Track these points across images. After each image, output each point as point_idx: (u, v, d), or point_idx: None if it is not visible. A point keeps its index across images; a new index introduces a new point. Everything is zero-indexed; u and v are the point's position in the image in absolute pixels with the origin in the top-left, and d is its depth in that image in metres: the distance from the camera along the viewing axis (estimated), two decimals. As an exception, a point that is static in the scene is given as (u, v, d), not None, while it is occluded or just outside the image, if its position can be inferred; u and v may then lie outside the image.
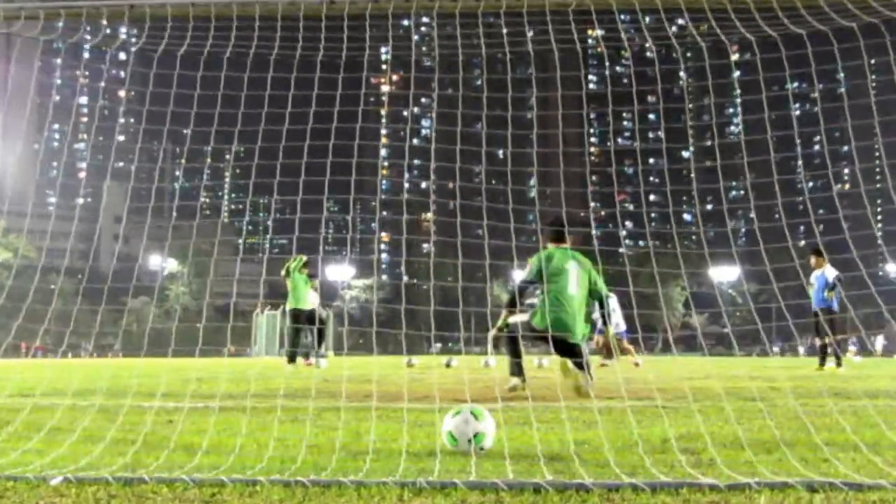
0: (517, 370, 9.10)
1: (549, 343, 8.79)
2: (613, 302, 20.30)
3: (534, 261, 9.31)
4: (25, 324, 6.46)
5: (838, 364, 16.49)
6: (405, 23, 7.07)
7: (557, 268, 9.05)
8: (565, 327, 8.83)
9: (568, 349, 8.83)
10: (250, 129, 7.22)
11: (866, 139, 6.38)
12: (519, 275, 9.74)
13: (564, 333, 8.82)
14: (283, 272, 19.12)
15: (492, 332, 9.36)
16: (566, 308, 8.90)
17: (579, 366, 8.64)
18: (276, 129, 7.05)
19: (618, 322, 20.64)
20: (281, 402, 7.50)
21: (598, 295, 9.29)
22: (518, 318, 9.25)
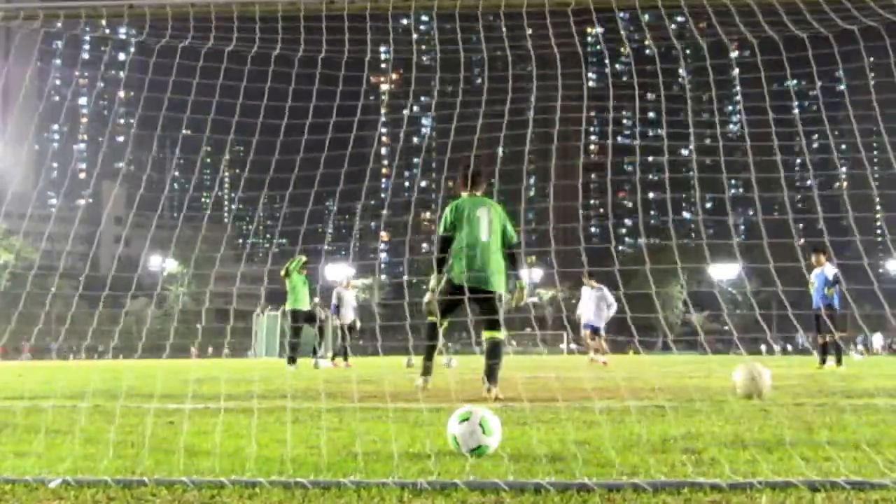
0: (426, 371, 9.14)
1: (465, 297, 8.49)
2: (610, 297, 20.31)
3: (446, 212, 9.04)
4: (24, 325, 6.45)
5: (839, 362, 16.49)
6: (404, 22, 7.06)
7: (469, 216, 8.79)
8: (479, 278, 8.56)
9: (484, 304, 8.56)
10: (249, 128, 7.22)
11: (866, 135, 6.37)
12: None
13: (479, 285, 8.54)
14: (282, 272, 19.16)
15: (427, 297, 9.02)
16: (479, 256, 8.63)
17: (491, 324, 8.42)
18: (274, 129, 7.05)
19: (599, 316, 20.53)
20: (280, 403, 7.49)
21: (510, 242, 8.97)
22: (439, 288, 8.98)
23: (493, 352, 8.41)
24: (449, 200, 9.22)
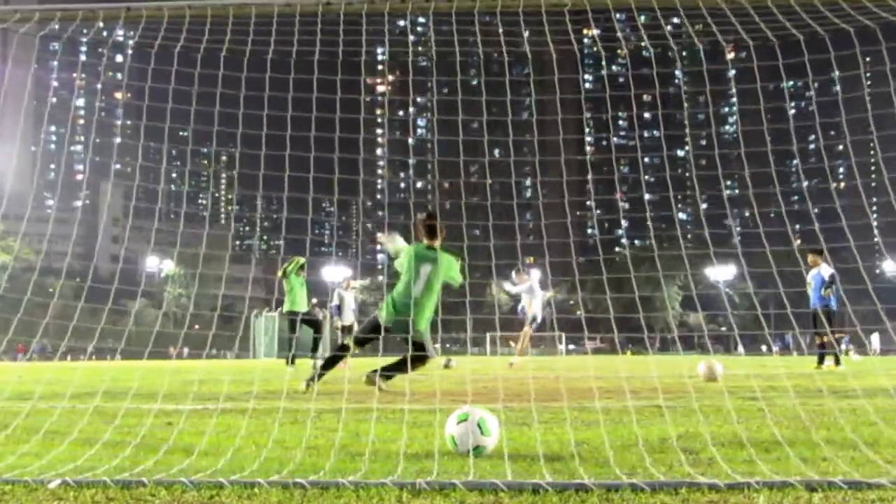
0: (326, 365, 9.80)
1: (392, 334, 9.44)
2: (539, 300, 20.34)
3: (407, 254, 9.75)
4: (23, 327, 6.44)
5: (836, 362, 16.49)
6: (401, 23, 7.07)
7: (416, 269, 9.48)
8: (404, 325, 9.17)
9: (413, 343, 9.13)
10: (247, 129, 7.22)
11: (861, 136, 6.39)
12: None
13: (404, 331, 9.19)
14: (279, 274, 19.14)
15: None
16: (410, 307, 9.24)
17: (420, 357, 9.11)
18: (273, 130, 7.05)
19: (535, 314, 20.26)
20: (279, 404, 7.49)
21: (453, 287, 9.72)
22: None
23: (402, 365, 9.17)
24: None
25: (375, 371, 9.07)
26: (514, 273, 21.06)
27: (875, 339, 59.58)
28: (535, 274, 20.85)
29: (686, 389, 8.71)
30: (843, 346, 33.21)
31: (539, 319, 20.43)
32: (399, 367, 9.28)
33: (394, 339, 9.94)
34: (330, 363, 9.98)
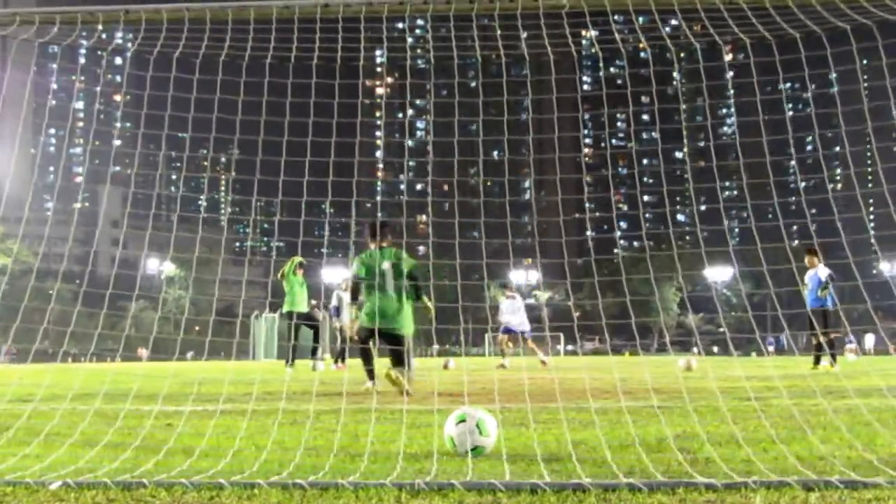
0: (369, 375, 10.14)
1: (378, 337, 9.98)
2: (518, 303, 21.11)
3: (357, 263, 10.40)
4: (23, 328, 6.45)
5: (833, 363, 16.50)
6: (399, 25, 7.10)
7: (378, 270, 9.96)
8: (388, 320, 9.74)
9: (394, 340, 9.71)
10: (245, 131, 7.24)
11: (858, 137, 6.41)
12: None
13: (388, 326, 9.75)
14: (278, 275, 19.15)
15: (350, 331, 11.17)
16: (387, 305, 9.81)
17: (398, 357, 9.49)
18: (271, 132, 7.07)
19: (522, 321, 21.33)
20: (278, 405, 7.50)
21: (413, 284, 10.17)
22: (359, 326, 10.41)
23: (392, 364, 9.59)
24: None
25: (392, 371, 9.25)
26: (505, 289, 21.89)
27: (869, 338, 59.58)
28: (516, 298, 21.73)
29: (682, 390, 8.73)
30: (850, 345, 33.15)
31: (525, 328, 21.23)
32: (399, 361, 9.54)
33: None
34: (319, 348, 10.51)
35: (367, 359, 10.28)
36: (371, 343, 10.22)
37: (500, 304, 22.08)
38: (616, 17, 6.12)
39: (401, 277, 9.99)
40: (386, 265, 9.99)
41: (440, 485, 3.34)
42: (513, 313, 21.22)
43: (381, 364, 9.97)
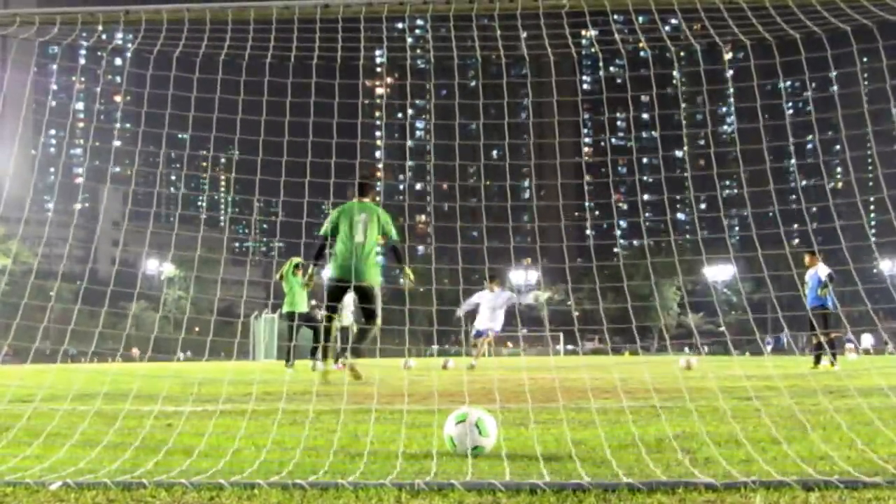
0: (323, 353, 10.49)
1: (345, 290, 10.17)
2: (502, 299, 20.19)
3: (332, 214, 10.39)
4: (23, 327, 6.45)
5: (833, 362, 16.51)
6: (399, 25, 7.11)
7: (351, 219, 10.07)
8: (356, 273, 9.76)
9: (362, 295, 9.86)
10: (245, 132, 7.24)
11: (858, 138, 6.42)
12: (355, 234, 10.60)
13: (356, 277, 9.78)
14: (277, 276, 19.17)
15: (302, 280, 11.80)
16: (356, 253, 9.87)
17: (368, 313, 9.74)
18: (271, 132, 7.07)
19: (495, 319, 20.14)
20: (278, 405, 7.51)
21: (391, 239, 10.40)
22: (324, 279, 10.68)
23: (361, 336, 9.94)
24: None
25: (344, 358, 9.55)
26: (485, 282, 20.98)
27: (868, 337, 59.56)
28: (502, 293, 20.88)
29: (682, 390, 8.73)
30: (849, 344, 33.10)
31: (496, 328, 20.48)
32: (360, 338, 9.72)
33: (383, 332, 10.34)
34: (319, 349, 10.52)
35: (326, 335, 10.55)
36: (337, 314, 10.45)
37: (482, 295, 20.28)
38: (616, 17, 6.12)
39: (374, 232, 10.08)
40: (361, 216, 10.07)
41: (440, 485, 3.34)
42: (492, 310, 19.99)
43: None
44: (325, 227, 10.36)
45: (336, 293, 10.25)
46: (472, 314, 20.53)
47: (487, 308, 19.97)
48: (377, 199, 10.79)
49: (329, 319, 10.88)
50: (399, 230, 10.47)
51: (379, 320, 9.81)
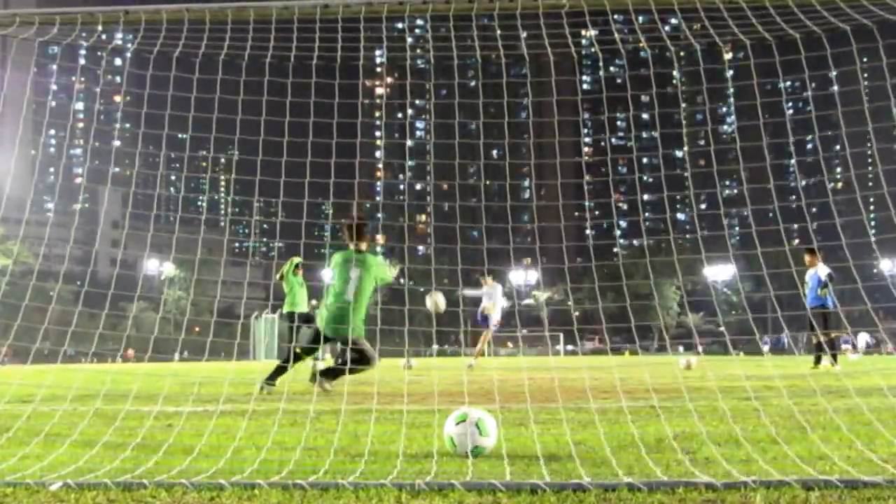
0: (278, 372, 10.33)
1: (329, 340, 10.23)
2: (495, 295, 20.20)
3: (334, 258, 10.36)
4: (23, 328, 6.45)
5: (833, 363, 16.49)
6: (399, 25, 7.12)
7: (345, 273, 10.05)
8: (343, 330, 9.77)
9: (349, 344, 9.79)
10: (245, 132, 7.24)
11: (858, 137, 6.41)
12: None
13: (341, 335, 9.85)
14: (277, 276, 19.16)
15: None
16: (345, 312, 9.81)
17: (360, 356, 9.66)
18: (271, 132, 7.07)
19: (495, 318, 20.17)
20: (278, 405, 7.51)
21: (386, 283, 10.57)
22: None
23: (351, 371, 9.84)
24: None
25: (317, 375, 9.72)
26: (479, 277, 21.02)
27: (862, 337, 59.57)
28: (497, 286, 20.86)
29: (682, 390, 8.74)
30: (846, 345, 33.09)
31: (494, 324, 20.43)
32: (339, 370, 9.88)
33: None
34: (278, 372, 10.35)
35: (295, 359, 10.56)
36: (311, 355, 10.77)
37: (481, 290, 20.46)
38: (616, 17, 6.12)
39: (367, 287, 10.09)
40: (354, 275, 10.00)
41: (440, 485, 3.34)
42: (491, 301, 19.88)
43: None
44: (331, 266, 10.41)
45: (318, 341, 10.24)
46: (471, 314, 20.61)
47: (487, 299, 20.14)
48: (371, 241, 10.77)
49: (301, 356, 10.83)
50: (392, 266, 10.72)
51: (375, 363, 9.80)
